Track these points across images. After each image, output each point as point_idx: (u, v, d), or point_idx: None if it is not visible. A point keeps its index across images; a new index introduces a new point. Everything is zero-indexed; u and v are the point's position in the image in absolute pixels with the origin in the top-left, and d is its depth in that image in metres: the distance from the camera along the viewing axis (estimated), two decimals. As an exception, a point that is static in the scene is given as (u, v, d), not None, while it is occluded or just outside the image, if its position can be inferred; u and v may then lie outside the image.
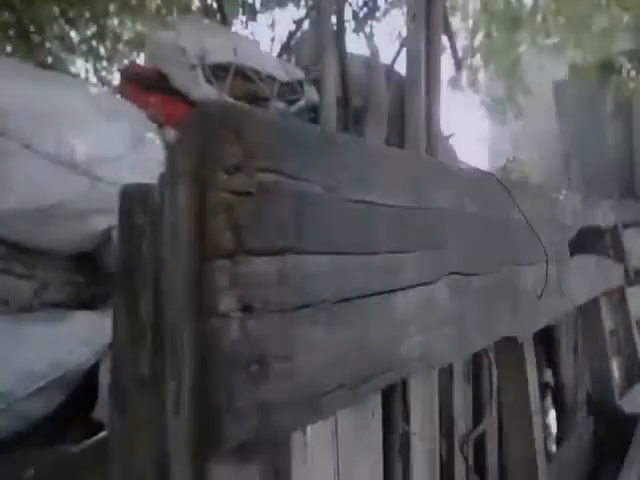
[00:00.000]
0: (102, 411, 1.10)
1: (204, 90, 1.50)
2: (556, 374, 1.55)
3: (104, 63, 5.27)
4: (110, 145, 1.14)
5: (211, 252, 0.29)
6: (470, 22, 5.16)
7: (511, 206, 0.64)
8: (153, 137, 1.35)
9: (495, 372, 0.98)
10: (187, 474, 0.33)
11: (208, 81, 1.50)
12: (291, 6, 4.85)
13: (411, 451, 0.80)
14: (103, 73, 5.19)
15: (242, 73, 1.60)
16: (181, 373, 0.35)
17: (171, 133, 1.58)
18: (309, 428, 0.49)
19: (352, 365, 0.36)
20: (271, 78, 1.66)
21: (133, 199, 0.54)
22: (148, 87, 1.64)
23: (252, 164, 0.31)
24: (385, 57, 2.34)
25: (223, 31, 1.99)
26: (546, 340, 1.50)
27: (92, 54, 5.27)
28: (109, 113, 1.20)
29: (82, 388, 1.14)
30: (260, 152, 0.31)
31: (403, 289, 0.41)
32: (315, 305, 0.33)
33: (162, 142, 1.42)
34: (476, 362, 1.06)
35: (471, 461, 1.00)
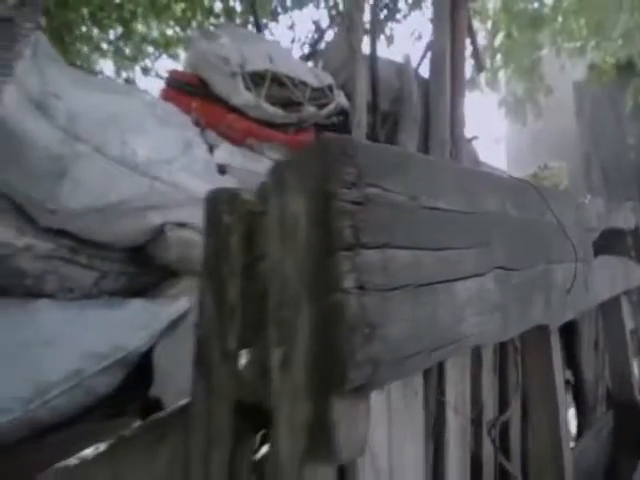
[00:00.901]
0: (157, 389, 1.21)
1: (243, 97, 1.60)
2: (576, 370, 1.60)
3: (129, 63, 5.44)
4: (165, 148, 1.25)
5: (337, 246, 0.38)
6: (490, 22, 5.17)
7: (544, 210, 0.72)
8: (199, 140, 1.46)
9: (520, 363, 1.05)
10: (305, 410, 0.43)
11: (247, 88, 1.60)
12: (310, 7, 4.95)
13: (446, 430, 0.89)
14: (128, 73, 5.37)
15: (277, 79, 1.69)
16: (293, 339, 0.44)
17: (212, 136, 1.68)
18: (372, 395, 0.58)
19: (426, 337, 0.45)
20: (303, 84, 1.75)
21: (220, 201, 0.63)
22: (189, 93, 1.75)
23: (362, 181, 0.40)
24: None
25: (259, 39, 2.09)
26: (567, 338, 1.56)
27: (118, 55, 5.45)
28: (162, 118, 1.31)
29: (138, 368, 1.25)
30: (367, 172, 0.41)
31: (462, 279, 0.50)
32: (402, 288, 0.42)
33: (205, 145, 1.53)
34: (502, 354, 1.14)
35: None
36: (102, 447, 0.66)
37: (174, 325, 1.29)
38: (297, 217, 0.43)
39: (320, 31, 4.66)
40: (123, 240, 1.28)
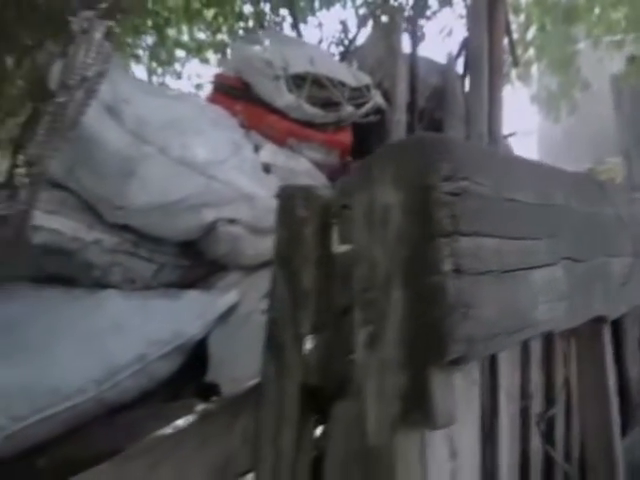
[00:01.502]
0: (213, 374, 1.28)
1: (286, 98, 1.66)
2: (621, 367, 1.58)
3: (162, 68, 5.64)
4: (218, 149, 1.33)
5: (437, 233, 0.43)
6: (522, 16, 5.07)
7: (604, 204, 0.75)
8: (246, 141, 1.53)
9: (570, 356, 1.07)
10: (399, 381, 0.48)
11: (289, 90, 1.66)
12: (337, 6, 4.98)
13: (498, 421, 0.92)
14: (159, 77, 5.56)
15: (317, 81, 1.75)
16: (383, 319, 0.49)
17: (256, 137, 1.76)
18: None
19: (508, 319, 0.50)
20: (342, 84, 1.80)
21: (295, 197, 0.68)
22: (233, 96, 1.83)
23: (457, 175, 0.45)
24: (438, 56, 2.42)
25: (300, 43, 2.16)
26: (612, 334, 1.55)
27: (153, 60, 5.65)
28: (214, 121, 1.39)
29: (193, 355, 1.34)
30: (461, 167, 0.45)
31: (537, 267, 0.55)
32: (489, 273, 0.47)
33: (251, 146, 1.60)
34: (549, 347, 1.15)
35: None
36: (191, 419, 0.73)
37: (226, 315, 1.36)
38: (388, 208, 0.48)
39: (346, 31, 4.70)
40: (179, 235, 1.37)
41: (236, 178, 1.34)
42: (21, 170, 0.96)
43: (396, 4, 3.35)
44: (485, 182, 0.48)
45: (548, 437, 1.17)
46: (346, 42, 3.83)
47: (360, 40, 2.83)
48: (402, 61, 1.79)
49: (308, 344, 0.70)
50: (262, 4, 4.72)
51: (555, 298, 0.58)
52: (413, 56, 1.92)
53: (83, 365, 1.04)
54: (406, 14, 2.04)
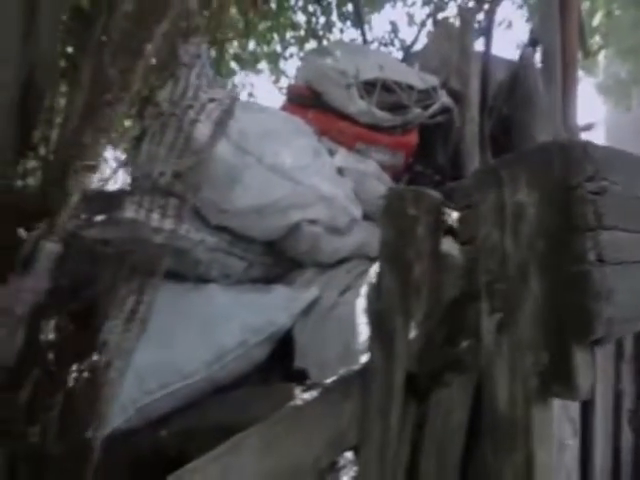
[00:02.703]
0: (300, 361, 1.40)
1: (358, 105, 1.76)
2: None
3: (222, 81, 5.93)
4: (302, 156, 1.45)
5: (583, 227, 0.51)
6: (587, 2, 4.80)
7: None
8: (323, 147, 1.65)
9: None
10: (538, 360, 0.55)
11: (360, 97, 1.76)
12: (386, 7, 5.00)
13: (594, 416, 0.94)
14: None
15: (386, 86, 1.83)
16: (516, 306, 0.56)
17: (328, 143, 1.87)
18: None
19: (637, 306, 0.56)
20: (410, 87, 1.87)
21: (404, 197, 0.77)
22: (304, 104, 1.95)
23: (598, 175, 0.52)
24: (498, 49, 2.38)
25: (370, 51, 2.25)
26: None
27: (215, 73, 5.96)
28: (297, 130, 1.51)
29: (281, 343, 1.46)
30: (601, 168, 0.52)
31: None
32: (623, 264, 0.53)
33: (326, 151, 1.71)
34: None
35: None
36: (308, 397, 0.83)
37: (308, 308, 1.48)
38: (522, 206, 0.55)
39: (396, 31, 4.70)
40: (267, 235, 1.51)
41: (317, 182, 1.45)
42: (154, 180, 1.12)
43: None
44: (619, 181, 0.54)
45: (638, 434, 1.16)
46: (396, 43, 3.86)
47: (411, 39, 2.87)
48: (474, 59, 1.82)
49: (414, 333, 0.78)
50: (313, 12, 4.86)
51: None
52: (486, 54, 1.94)
53: (197, 349, 1.20)
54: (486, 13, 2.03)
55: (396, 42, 4.80)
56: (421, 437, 0.83)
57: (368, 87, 1.78)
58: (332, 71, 1.75)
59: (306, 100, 1.93)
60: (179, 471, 0.54)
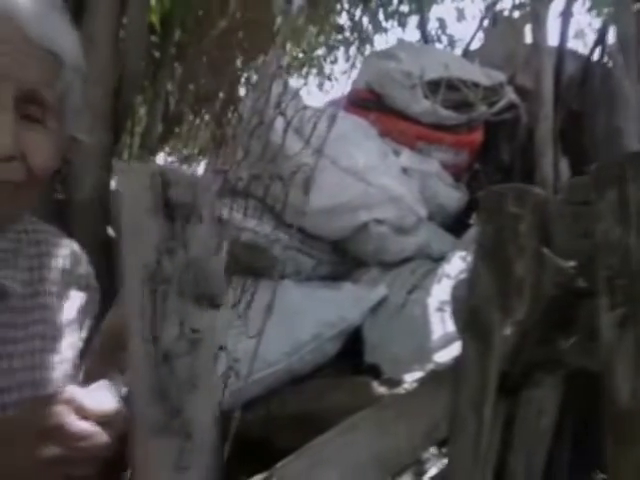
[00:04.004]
0: (370, 356, 1.45)
1: (422, 105, 1.77)
2: None
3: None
4: (371, 157, 1.50)
5: None
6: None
7: None
8: (388, 149, 1.68)
9: None
10: None
11: (425, 96, 1.77)
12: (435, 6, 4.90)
13: None
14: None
15: (451, 84, 1.83)
16: (637, 300, 0.57)
17: (391, 144, 1.90)
18: None
19: None
20: (475, 85, 1.85)
21: (506, 195, 0.78)
22: (366, 107, 2.00)
23: None
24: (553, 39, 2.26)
25: (434, 50, 2.26)
26: None
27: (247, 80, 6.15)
28: (365, 132, 1.56)
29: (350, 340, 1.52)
30: None
31: None
32: None
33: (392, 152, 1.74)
34: None
35: None
36: (403, 390, 0.87)
37: (377, 306, 1.52)
38: None
39: (444, 27, 4.59)
40: (336, 234, 1.57)
41: (387, 182, 1.49)
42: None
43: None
44: None
45: None
46: (444, 39, 3.77)
47: (460, 35, 2.80)
48: (547, 54, 1.77)
49: (510, 330, 0.79)
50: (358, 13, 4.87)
51: None
52: (560, 48, 1.88)
53: (277, 340, 1.28)
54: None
55: (444, 39, 4.69)
56: (510, 435, 0.84)
57: (432, 86, 1.79)
58: (396, 73, 1.77)
59: (367, 103, 1.97)
60: (310, 444, 0.60)
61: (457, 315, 1.05)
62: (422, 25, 2.84)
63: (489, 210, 0.83)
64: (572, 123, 1.92)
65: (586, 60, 1.98)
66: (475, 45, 2.58)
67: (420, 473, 0.97)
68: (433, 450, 0.98)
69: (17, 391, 0.61)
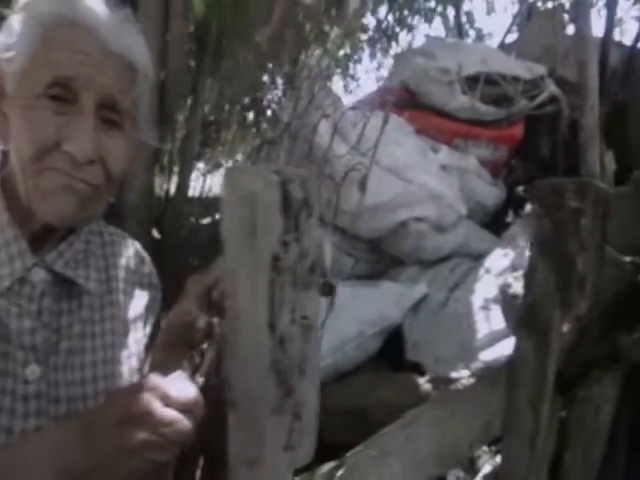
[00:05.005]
0: (412, 354, 1.45)
1: (459, 101, 1.76)
2: None
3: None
4: (411, 155, 1.50)
5: None
6: None
7: None
8: (427, 146, 1.68)
9: None
10: None
11: (463, 92, 1.75)
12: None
13: None
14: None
15: (489, 79, 1.80)
16: None
17: (429, 141, 1.89)
18: None
19: None
20: (515, 78, 1.82)
21: (565, 189, 0.77)
22: (401, 106, 1.99)
23: None
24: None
25: (471, 45, 2.23)
26: None
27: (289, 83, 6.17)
28: (404, 131, 1.56)
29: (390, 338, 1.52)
30: None
31: None
32: None
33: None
34: None
35: None
36: (460, 387, 0.87)
37: (417, 304, 1.52)
38: None
39: (472, 22, 4.48)
40: (374, 233, 1.58)
41: (427, 180, 1.48)
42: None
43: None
44: None
45: None
46: (472, 33, 3.68)
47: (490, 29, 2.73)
48: (593, 46, 1.71)
49: (569, 327, 0.78)
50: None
51: None
52: (606, 39, 1.82)
53: (325, 337, 1.30)
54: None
55: (471, 33, 4.58)
56: (566, 434, 0.83)
57: (470, 82, 1.77)
58: (433, 70, 1.76)
59: (402, 101, 1.97)
60: (375, 436, 0.62)
61: (509, 312, 1.04)
62: (457, 19, 2.79)
63: (547, 204, 0.82)
64: (616, 115, 1.86)
65: (630, 50, 1.90)
66: (504, 39, 2.52)
67: (473, 471, 0.96)
68: (484, 448, 0.97)
69: (92, 383, 0.65)
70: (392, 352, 1.49)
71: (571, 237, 0.75)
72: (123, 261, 0.76)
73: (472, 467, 1.00)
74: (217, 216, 2.20)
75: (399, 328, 1.50)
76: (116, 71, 0.62)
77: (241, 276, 0.34)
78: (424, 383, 1.20)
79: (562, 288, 0.77)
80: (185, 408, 0.48)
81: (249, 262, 0.33)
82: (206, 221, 2.31)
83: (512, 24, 2.62)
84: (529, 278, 0.84)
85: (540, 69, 1.87)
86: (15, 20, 0.60)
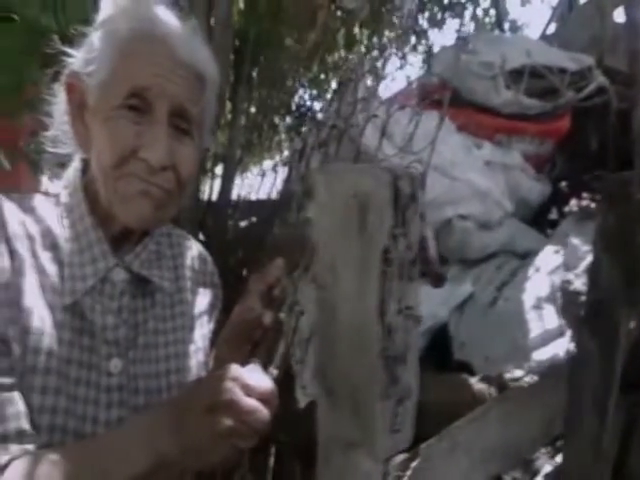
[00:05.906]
0: (460, 354, 1.44)
1: (503, 96, 1.72)
2: None
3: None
4: (456, 152, 1.48)
5: None
6: None
7: None
8: (470, 143, 1.65)
9: None
10: None
11: (507, 86, 1.72)
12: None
13: None
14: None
15: (535, 72, 1.75)
16: None
17: (472, 139, 1.86)
18: None
19: None
20: (561, 70, 1.76)
21: (630, 182, 0.75)
22: (437, 102, 1.97)
23: None
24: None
25: (514, 38, 2.19)
26: None
27: (313, 83, 6.20)
28: (448, 128, 1.55)
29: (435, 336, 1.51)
30: None
31: None
32: None
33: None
34: None
35: None
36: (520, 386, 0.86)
37: (464, 303, 1.50)
38: None
39: (500, 15, 4.34)
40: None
41: (473, 177, 1.47)
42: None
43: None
44: None
45: None
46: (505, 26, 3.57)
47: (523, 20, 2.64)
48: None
49: (634, 324, 0.75)
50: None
51: None
52: None
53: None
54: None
55: (505, 25, 4.44)
56: (630, 435, 0.80)
57: (514, 76, 1.73)
58: (475, 65, 1.74)
59: (440, 98, 1.94)
60: (447, 429, 0.63)
61: (569, 310, 1.01)
62: (497, 11, 2.72)
63: (612, 198, 0.79)
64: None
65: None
66: (545, 29, 2.44)
67: (533, 471, 0.95)
68: (544, 448, 0.95)
69: (165, 376, 0.69)
70: (436, 351, 1.48)
71: (637, 232, 0.72)
72: (189, 261, 0.81)
73: (529, 467, 0.98)
74: (253, 218, 2.25)
75: (443, 327, 1.49)
76: (186, 81, 0.66)
77: (345, 271, 0.36)
78: (476, 383, 1.19)
79: (628, 284, 0.75)
80: (263, 397, 0.51)
81: (356, 256, 0.34)
82: (244, 223, 2.37)
83: (553, 14, 2.53)
84: (593, 274, 0.82)
85: (587, 60, 1.80)
86: (94, 36, 0.65)
